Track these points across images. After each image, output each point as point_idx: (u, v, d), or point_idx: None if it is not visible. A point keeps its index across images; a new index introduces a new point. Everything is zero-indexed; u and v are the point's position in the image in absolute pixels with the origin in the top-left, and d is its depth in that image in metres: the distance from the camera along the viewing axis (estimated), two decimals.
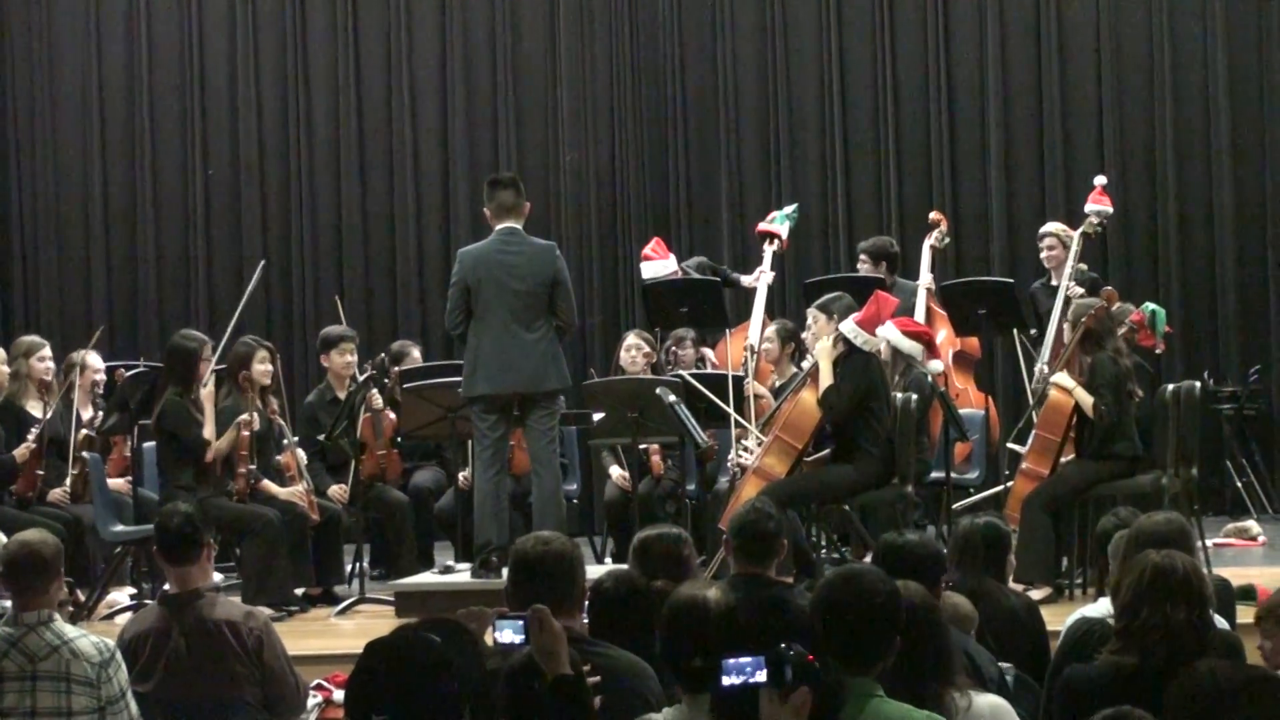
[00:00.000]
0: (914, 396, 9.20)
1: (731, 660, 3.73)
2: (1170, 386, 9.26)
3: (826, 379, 8.96)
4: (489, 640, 4.59)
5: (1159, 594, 4.66)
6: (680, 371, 10.08)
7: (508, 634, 4.48)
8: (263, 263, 11.08)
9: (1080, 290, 10.29)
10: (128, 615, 8.31)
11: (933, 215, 11.60)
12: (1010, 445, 9.96)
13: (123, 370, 9.87)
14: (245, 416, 9.31)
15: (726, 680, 3.71)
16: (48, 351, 10.04)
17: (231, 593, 8.48)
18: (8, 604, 5.98)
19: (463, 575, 9.11)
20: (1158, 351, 10.06)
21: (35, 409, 9.83)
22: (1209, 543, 9.43)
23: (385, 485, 10.20)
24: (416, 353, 11.10)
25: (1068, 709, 4.74)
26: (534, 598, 4.65)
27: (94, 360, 10.19)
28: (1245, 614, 6.24)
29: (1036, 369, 10.20)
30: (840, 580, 4.35)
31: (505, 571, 5.21)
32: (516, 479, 9.60)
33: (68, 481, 9.74)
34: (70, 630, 5.78)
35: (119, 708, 5.70)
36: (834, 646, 4.18)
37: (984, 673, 5.13)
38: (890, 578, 4.42)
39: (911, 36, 12.97)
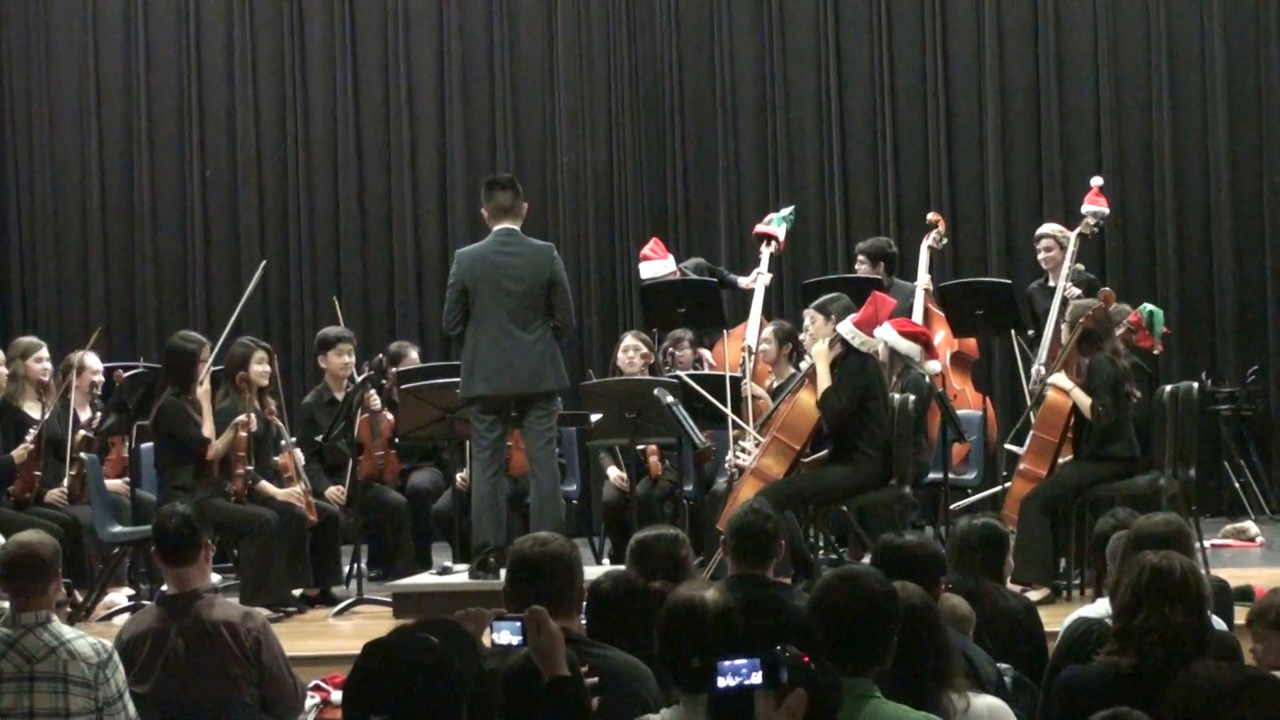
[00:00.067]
0: (912, 397, 9.20)
1: (727, 662, 3.72)
2: (1168, 387, 9.26)
3: (824, 380, 8.94)
4: (487, 641, 4.58)
5: (1157, 595, 4.65)
6: (678, 372, 10.08)
7: (505, 635, 4.48)
8: (263, 263, 11.05)
9: (1078, 291, 10.29)
10: (125, 616, 8.30)
11: (930, 216, 11.59)
12: (1008, 446, 9.94)
13: (121, 371, 9.85)
14: (243, 417, 9.30)
15: (722, 682, 3.70)
16: (45, 352, 10.03)
17: (229, 593, 8.46)
18: (5, 605, 5.98)
19: (460, 576, 9.11)
20: (1155, 352, 10.04)
21: (33, 410, 9.82)
22: (1207, 544, 9.43)
23: (383, 486, 10.19)
24: (414, 353, 11.08)
25: (1066, 710, 4.74)
26: (532, 599, 4.65)
27: (92, 361, 10.16)
28: (1243, 615, 6.23)
29: (1034, 370, 10.20)
30: (838, 581, 4.35)
31: (503, 572, 5.21)
32: (514, 480, 9.60)
33: (65, 482, 9.72)
34: (68, 631, 5.78)
35: (116, 709, 5.70)
36: (832, 647, 4.18)
37: (982, 673, 5.12)
38: (888, 579, 4.43)
39: (909, 38, 12.96)
